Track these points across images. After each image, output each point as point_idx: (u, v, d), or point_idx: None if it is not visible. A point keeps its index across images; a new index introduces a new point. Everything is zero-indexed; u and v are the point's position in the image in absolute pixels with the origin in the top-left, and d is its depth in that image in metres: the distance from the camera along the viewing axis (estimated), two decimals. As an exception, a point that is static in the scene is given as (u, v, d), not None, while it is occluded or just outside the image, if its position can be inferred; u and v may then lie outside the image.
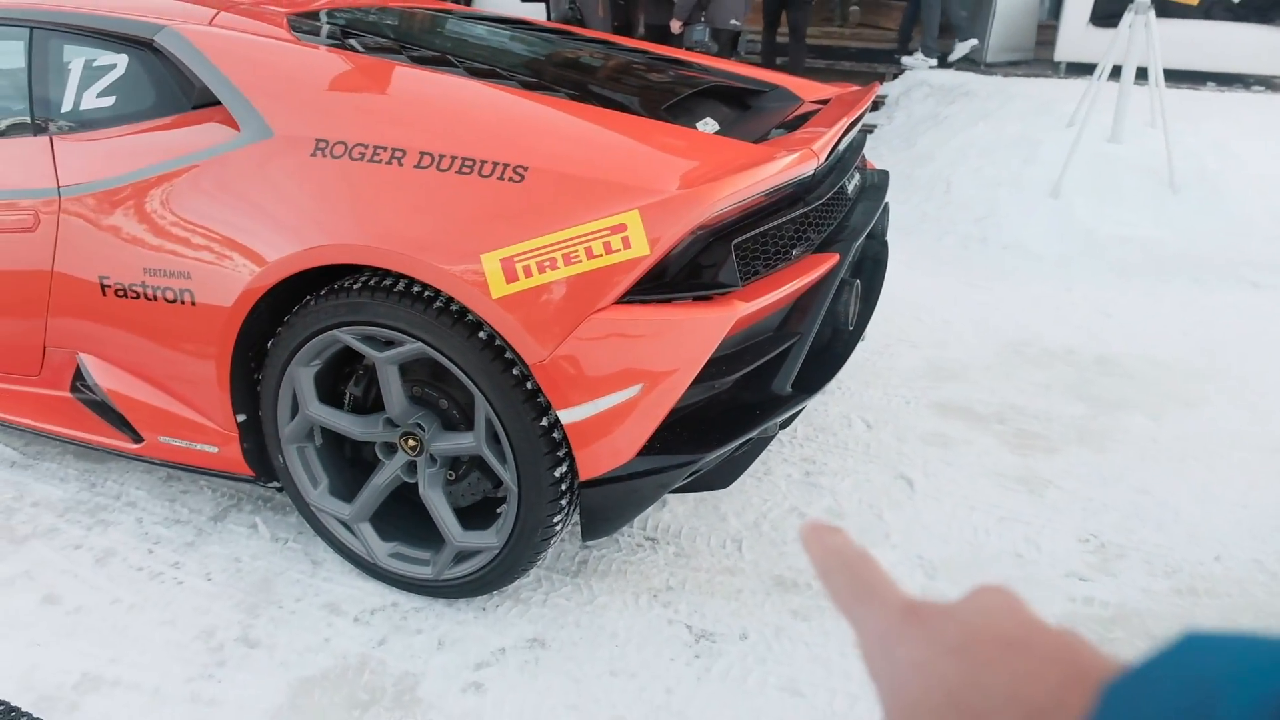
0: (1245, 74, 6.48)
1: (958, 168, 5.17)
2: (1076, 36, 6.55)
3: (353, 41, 2.20)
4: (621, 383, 1.69)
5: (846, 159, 2.32)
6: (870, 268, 2.65)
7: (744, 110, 2.53)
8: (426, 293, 1.73)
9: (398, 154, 1.75)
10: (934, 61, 6.81)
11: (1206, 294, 4.01)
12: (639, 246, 1.63)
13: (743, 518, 2.39)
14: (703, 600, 2.07)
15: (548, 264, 1.63)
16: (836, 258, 2.00)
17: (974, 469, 2.65)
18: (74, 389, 2.27)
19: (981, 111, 5.70)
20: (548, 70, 2.47)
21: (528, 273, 1.64)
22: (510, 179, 1.69)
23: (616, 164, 1.72)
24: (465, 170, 1.71)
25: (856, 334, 2.21)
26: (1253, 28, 6.36)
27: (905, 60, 6.93)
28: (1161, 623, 2.07)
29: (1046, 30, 6.96)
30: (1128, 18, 4.52)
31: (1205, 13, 6.43)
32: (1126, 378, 3.26)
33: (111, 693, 1.81)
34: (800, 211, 1.93)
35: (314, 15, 2.39)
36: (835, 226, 2.16)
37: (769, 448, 2.69)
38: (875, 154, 6.20)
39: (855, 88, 2.75)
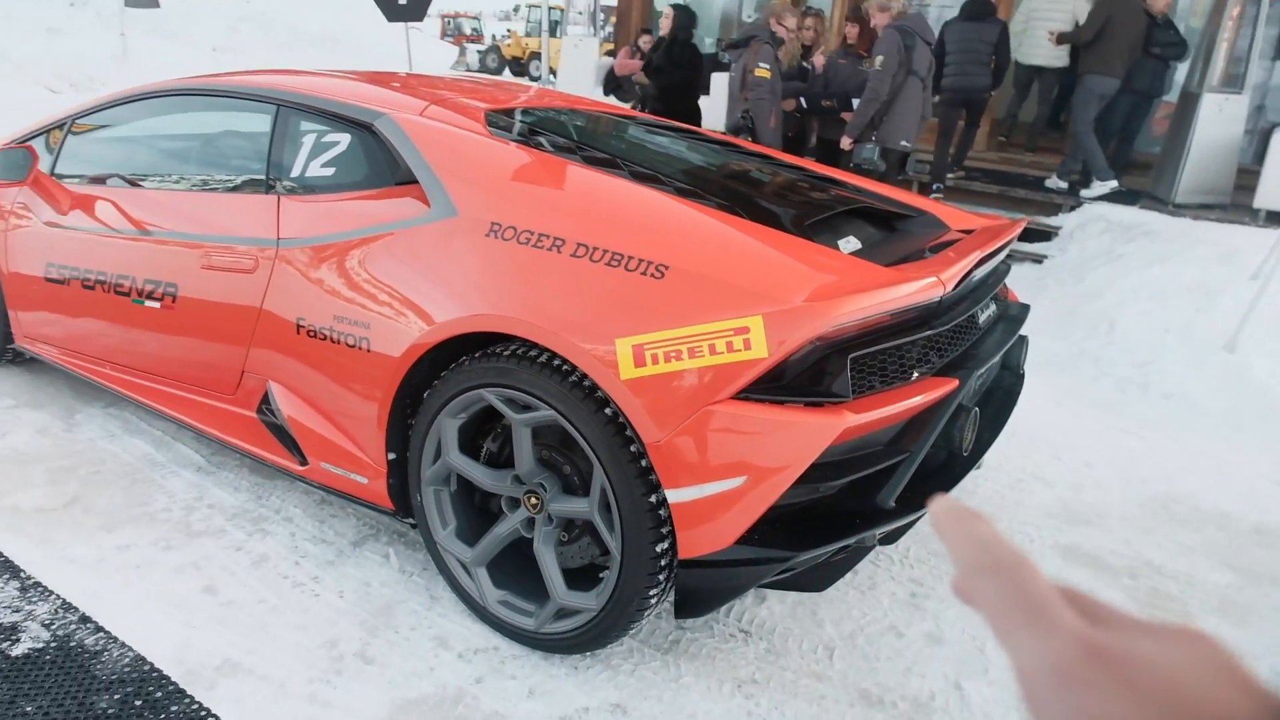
0: None
1: (1125, 308, 5.02)
2: (1280, 183, 6.25)
3: (537, 139, 2.50)
4: (728, 472, 1.81)
5: (981, 289, 2.38)
6: (1000, 398, 2.66)
7: (889, 232, 2.64)
8: (565, 366, 1.92)
9: (558, 242, 1.99)
10: (1113, 182, 6.63)
11: (1397, 474, 3.69)
12: (759, 349, 1.76)
13: (839, 627, 2.41)
14: (785, 699, 2.11)
15: (674, 354, 1.80)
16: (955, 383, 2.05)
17: (1092, 618, 2.55)
18: (259, 410, 2.61)
19: (1160, 253, 5.52)
20: (705, 179, 2.69)
21: (655, 360, 1.81)
22: (652, 275, 1.88)
23: (748, 272, 1.87)
24: (614, 263, 1.92)
25: (971, 460, 2.23)
26: None
27: (1084, 193, 6.81)
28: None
29: (1248, 175, 6.67)
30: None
31: None
32: (1285, 551, 3.05)
33: (246, 679, 2.04)
34: (923, 335, 2.01)
35: (509, 113, 2.73)
36: (961, 353, 2.22)
37: (878, 564, 2.71)
38: (1041, 285, 6.08)
39: (1003, 220, 2.81)
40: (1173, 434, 4.01)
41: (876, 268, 1.99)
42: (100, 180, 3.08)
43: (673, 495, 1.84)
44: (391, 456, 2.28)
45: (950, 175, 7.12)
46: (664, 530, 1.90)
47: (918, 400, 1.96)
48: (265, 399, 2.57)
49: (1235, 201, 6.77)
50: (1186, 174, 6.65)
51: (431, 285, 2.13)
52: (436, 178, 2.24)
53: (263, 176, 2.66)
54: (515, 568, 2.25)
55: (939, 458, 2.17)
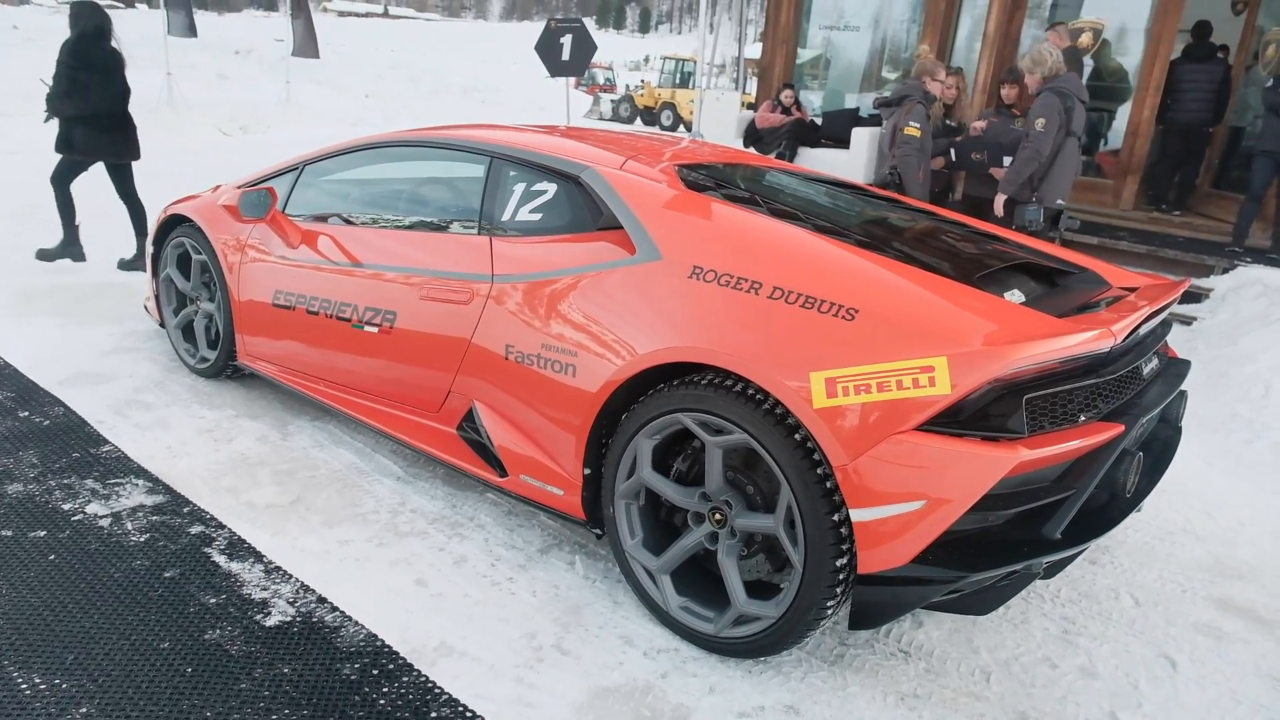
0: None
1: None
2: None
3: (722, 191, 2.78)
4: (907, 496, 2.00)
5: (1146, 343, 2.50)
6: (1159, 448, 2.75)
7: (1051, 287, 2.79)
8: (758, 395, 2.17)
9: (755, 285, 2.25)
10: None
11: None
12: (942, 386, 1.96)
13: (995, 654, 2.54)
14: (946, 713, 2.25)
15: (863, 388, 2.01)
16: (1121, 428, 2.19)
17: (1247, 667, 2.59)
18: (459, 427, 2.95)
19: (1320, 317, 5.37)
20: (879, 231, 2.91)
21: (845, 392, 2.03)
22: (843, 317, 2.11)
23: (933, 317, 2.08)
24: (808, 305, 2.16)
25: (1133, 503, 2.35)
26: None
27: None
28: None
29: None
30: None
31: None
32: None
33: (460, 660, 2.34)
34: (1092, 382, 2.16)
35: (699, 167, 3.03)
36: (1126, 401, 2.35)
37: (1029, 601, 2.82)
38: (1191, 346, 5.99)
39: (1165, 279, 2.91)
40: (1332, 500, 3.92)
41: (1050, 318, 2.16)
42: (328, 219, 3.54)
43: (856, 514, 2.04)
44: (587, 472, 2.56)
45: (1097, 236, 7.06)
46: (844, 547, 2.10)
47: (1085, 441, 2.11)
48: (468, 417, 2.90)
49: None
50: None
51: (636, 320, 2.42)
52: (641, 225, 2.55)
53: (475, 220, 3.03)
54: (693, 578, 2.48)
55: (1102, 498, 2.30)
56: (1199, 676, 2.52)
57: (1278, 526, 3.59)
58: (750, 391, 2.18)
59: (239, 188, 3.86)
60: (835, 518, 2.09)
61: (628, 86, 35.00)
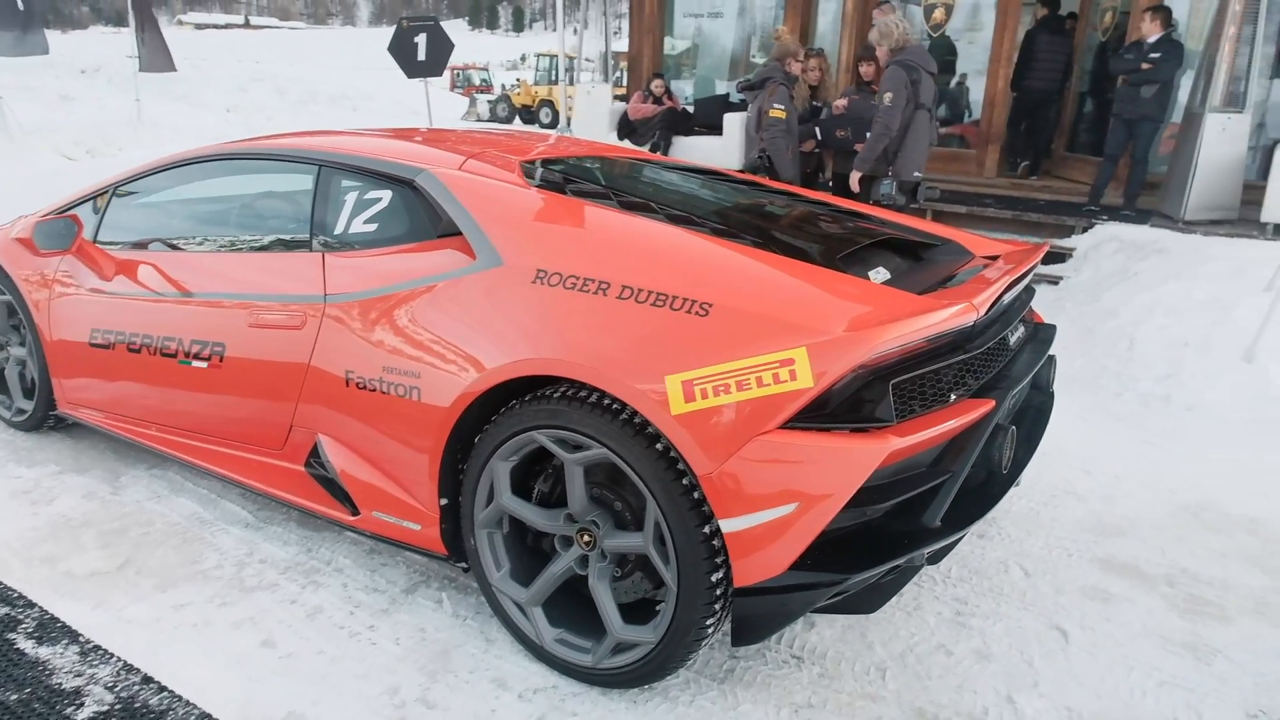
0: None
1: (1143, 325, 5.07)
2: (1286, 199, 6.33)
3: (572, 186, 2.59)
4: (779, 500, 1.86)
5: (1010, 312, 2.44)
6: (1032, 416, 2.71)
7: (916, 261, 2.72)
8: (615, 405, 1.99)
9: (603, 286, 2.07)
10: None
11: None
12: (804, 379, 1.83)
13: (889, 648, 2.44)
14: (842, 722, 2.14)
15: (722, 389, 1.86)
16: (992, 403, 2.11)
17: (1136, 628, 2.58)
18: (307, 464, 2.68)
19: (1173, 270, 5.58)
20: (736, 218, 2.77)
21: (704, 395, 1.87)
22: (697, 313, 1.95)
23: (790, 306, 1.94)
24: (659, 304, 1.99)
25: (1011, 478, 2.28)
26: None
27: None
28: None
29: (1254, 190, 6.76)
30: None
31: None
32: (1320, 555, 3.07)
33: (312, 728, 2.08)
34: (959, 359, 2.07)
35: (550, 163, 2.83)
36: (995, 375, 2.28)
37: (921, 585, 2.75)
38: (1059, 305, 6.15)
39: (1026, 245, 2.88)
40: (1197, 445, 4.04)
41: (911, 296, 2.06)
42: (144, 245, 3.19)
43: (726, 525, 1.89)
44: (444, 502, 2.34)
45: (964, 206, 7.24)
46: (719, 560, 1.95)
47: (957, 422, 2.02)
48: (314, 452, 2.63)
49: (1243, 216, 6.85)
50: (1194, 192, 6.74)
51: (480, 333, 2.21)
52: (480, 229, 2.33)
53: (306, 235, 2.75)
54: (569, 606, 2.29)
55: (980, 477, 2.22)
56: (1090, 645, 2.49)
57: (1151, 476, 3.66)
58: (606, 402, 2.01)
59: (41, 217, 3.44)
60: (706, 530, 1.94)
61: (504, 86, 34.44)
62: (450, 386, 2.22)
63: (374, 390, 2.38)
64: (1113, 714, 2.21)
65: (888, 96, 5.18)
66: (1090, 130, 9.21)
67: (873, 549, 1.95)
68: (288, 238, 2.83)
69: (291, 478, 2.72)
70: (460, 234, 2.39)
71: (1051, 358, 2.80)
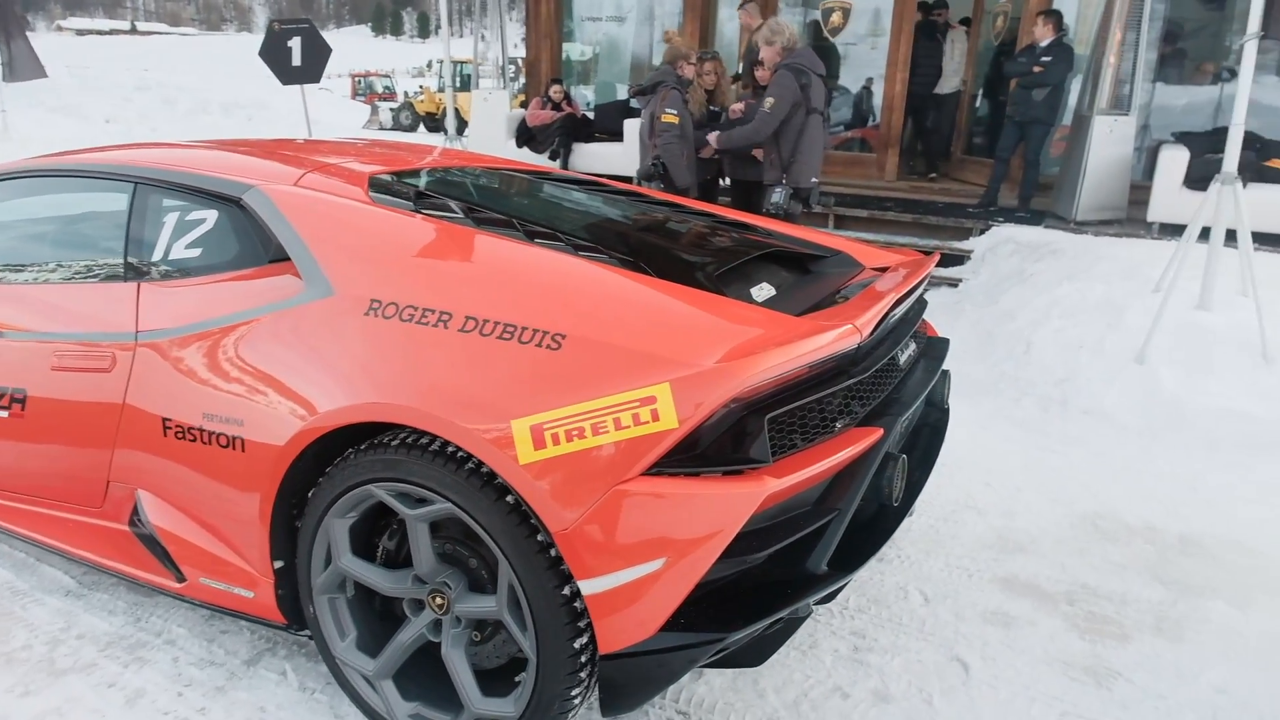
0: (1347, 239, 6.24)
1: (1040, 328, 5.07)
2: (1169, 198, 6.48)
3: (427, 203, 2.33)
4: (645, 555, 1.65)
5: (900, 329, 2.29)
6: (928, 435, 2.57)
7: (803, 275, 2.55)
8: (459, 454, 1.75)
9: (444, 317, 1.82)
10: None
11: (1305, 473, 3.74)
12: (667, 419, 1.62)
13: (782, 695, 2.26)
14: (730, 791, 1.94)
15: (576, 433, 1.64)
16: (880, 432, 1.95)
17: (1037, 654, 2.47)
18: (132, 523, 2.35)
19: (1067, 271, 5.62)
20: (607, 233, 2.56)
21: (556, 440, 1.65)
22: (548, 346, 1.72)
23: (652, 335, 1.74)
24: (506, 336, 1.76)
25: (903, 510, 2.13)
26: (1353, 193, 6.17)
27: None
28: None
29: (1140, 190, 6.92)
30: (1215, 185, 4.45)
31: (1302, 178, 6.30)
32: (1211, 561, 3.03)
33: (116, 844, 1.78)
34: (844, 385, 1.90)
35: (398, 176, 2.55)
36: (883, 399, 2.12)
37: (818, 619, 2.58)
38: (959, 308, 6.14)
39: (917, 255, 2.75)
40: (1094, 449, 4.02)
41: (789, 319, 1.87)
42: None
43: (586, 586, 1.67)
44: (278, 565, 2.06)
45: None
46: (581, 624, 1.73)
47: (843, 455, 1.84)
48: (136, 510, 2.31)
49: (1130, 216, 7.01)
50: (1085, 192, 6.86)
51: (308, 373, 1.93)
52: (310, 253, 2.06)
53: (120, 263, 2.42)
54: (427, 675, 2.03)
55: (869, 511, 2.06)
56: (991, 677, 2.35)
57: (1051, 485, 3.60)
58: (450, 450, 1.76)
59: None
60: (566, 591, 1.71)
61: (407, 94, 33.62)
62: (277, 434, 1.94)
63: (194, 439, 2.08)
64: (1016, 758, 2.07)
65: (769, 102, 5.07)
66: (986, 133, 9.36)
67: (753, 602, 1.76)
68: (98, 267, 2.49)
69: (115, 540, 2.39)
70: (291, 259, 2.11)
71: (945, 373, 2.67)
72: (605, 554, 1.65)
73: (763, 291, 2.28)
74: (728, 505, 1.65)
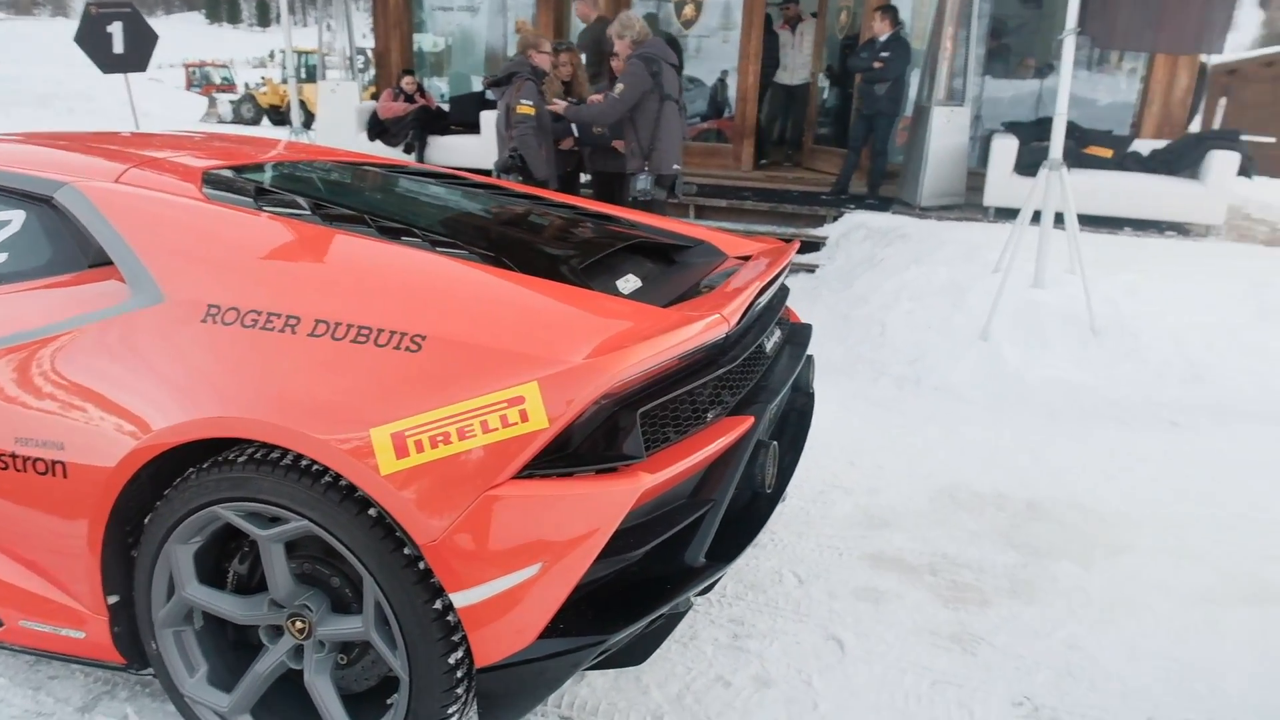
0: (1158, 220, 6.85)
1: (891, 310, 5.29)
2: (1002, 184, 6.92)
3: (268, 199, 2.17)
4: (519, 562, 1.59)
5: (764, 317, 2.32)
6: (795, 420, 2.62)
7: (668, 266, 2.54)
8: (315, 467, 1.63)
9: (291, 321, 1.69)
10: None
11: (1130, 436, 4.05)
12: (537, 419, 1.56)
13: (665, 690, 2.25)
14: (617, 792, 1.91)
15: (440, 439, 1.56)
16: (751, 420, 1.96)
17: (906, 626, 2.56)
18: (-59, 561, 2.08)
19: (914, 255, 5.89)
20: (466, 228, 2.47)
21: (419, 448, 1.56)
22: (407, 348, 1.63)
23: (517, 332, 1.67)
24: (361, 339, 1.65)
25: (776, 496, 2.15)
26: (1160, 179, 6.76)
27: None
28: (1104, 804, 1.96)
29: (977, 177, 7.34)
30: (1043, 171, 4.76)
31: (1119, 164, 6.85)
32: (1056, 524, 3.24)
33: None
34: (713, 375, 1.89)
35: (236, 171, 2.37)
36: (752, 387, 2.13)
37: (697, 609, 2.58)
38: (816, 294, 6.34)
39: (778, 243, 2.79)
40: (947, 425, 4.22)
41: (657, 311, 1.85)
42: None
43: (459, 599, 1.59)
44: (113, 600, 1.87)
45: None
46: (455, 639, 1.65)
47: (716, 445, 1.84)
48: (-57, 547, 2.05)
49: (969, 201, 7.44)
50: (927, 180, 7.22)
51: (137, 387, 1.76)
52: (136, 256, 1.88)
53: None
54: (289, 705, 1.90)
55: (743, 499, 2.07)
56: (865, 653, 2.42)
57: (909, 462, 3.75)
58: (304, 464, 1.64)
59: None
60: (438, 605, 1.63)
61: (248, 85, 31.79)
62: (105, 456, 1.76)
63: (5, 467, 1.86)
64: (891, 729, 2.14)
65: (619, 88, 5.11)
66: (835, 124, 9.72)
67: (634, 601, 1.73)
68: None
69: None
70: (114, 264, 1.92)
71: (810, 358, 2.72)
72: (478, 563, 1.58)
73: (628, 283, 2.26)
74: (603, 504, 1.61)
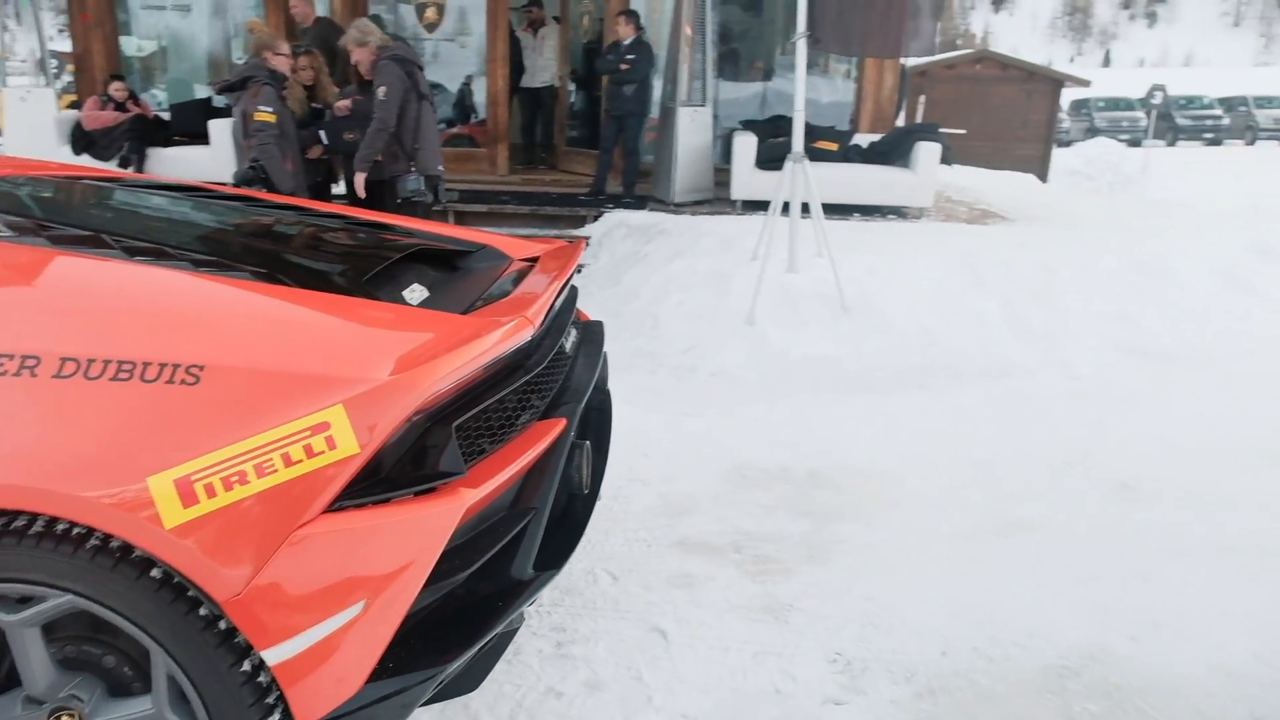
0: (881, 205, 7.60)
1: (662, 303, 5.46)
2: (746, 178, 7.37)
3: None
4: (339, 604, 1.45)
5: (562, 317, 2.29)
6: (597, 420, 2.61)
7: (453, 273, 2.44)
8: (76, 531, 1.39)
9: (29, 363, 1.43)
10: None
11: (884, 400, 4.46)
12: (346, 445, 1.43)
13: (496, 712, 2.17)
14: (461, 830, 1.80)
15: (236, 479, 1.38)
16: (564, 422, 1.92)
17: (722, 606, 2.64)
18: None
19: (676, 249, 6.12)
20: (229, 245, 2.23)
21: (211, 492, 1.37)
22: (182, 381, 1.43)
23: (312, 353, 1.52)
24: (123, 376, 1.43)
25: (593, 496, 2.13)
26: (877, 168, 7.52)
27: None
28: (916, 737, 2.12)
29: (723, 172, 7.75)
30: (788, 164, 5.11)
31: (844, 156, 7.52)
32: (835, 489, 3.48)
33: None
34: (521, 380, 1.84)
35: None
36: (559, 389, 2.10)
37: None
38: (585, 292, 6.35)
39: (562, 243, 2.77)
40: (725, 407, 4.42)
41: (459, 319, 1.76)
42: None
43: (271, 655, 1.42)
44: None
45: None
46: (270, 700, 1.48)
47: (534, 452, 1.79)
48: None
49: (718, 195, 7.85)
50: (678, 177, 7.54)
51: None
52: None
53: None
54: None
55: (561, 503, 2.03)
56: (688, 638, 2.47)
57: (697, 447, 3.88)
58: (62, 529, 1.40)
59: None
60: (246, 666, 1.45)
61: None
62: None
63: None
64: (724, 708, 2.19)
65: (382, 90, 4.89)
66: (585, 126, 9.89)
67: (465, 625, 1.64)
68: None
69: None
70: None
71: (605, 355, 2.73)
72: (291, 613, 1.42)
73: (415, 294, 2.13)
74: (427, 527, 1.51)
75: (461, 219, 7.59)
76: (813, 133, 7.70)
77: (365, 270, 2.08)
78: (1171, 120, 29.16)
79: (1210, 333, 5.34)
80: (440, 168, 5.23)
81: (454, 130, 9.82)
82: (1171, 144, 28.04)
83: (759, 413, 4.33)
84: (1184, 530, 3.12)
